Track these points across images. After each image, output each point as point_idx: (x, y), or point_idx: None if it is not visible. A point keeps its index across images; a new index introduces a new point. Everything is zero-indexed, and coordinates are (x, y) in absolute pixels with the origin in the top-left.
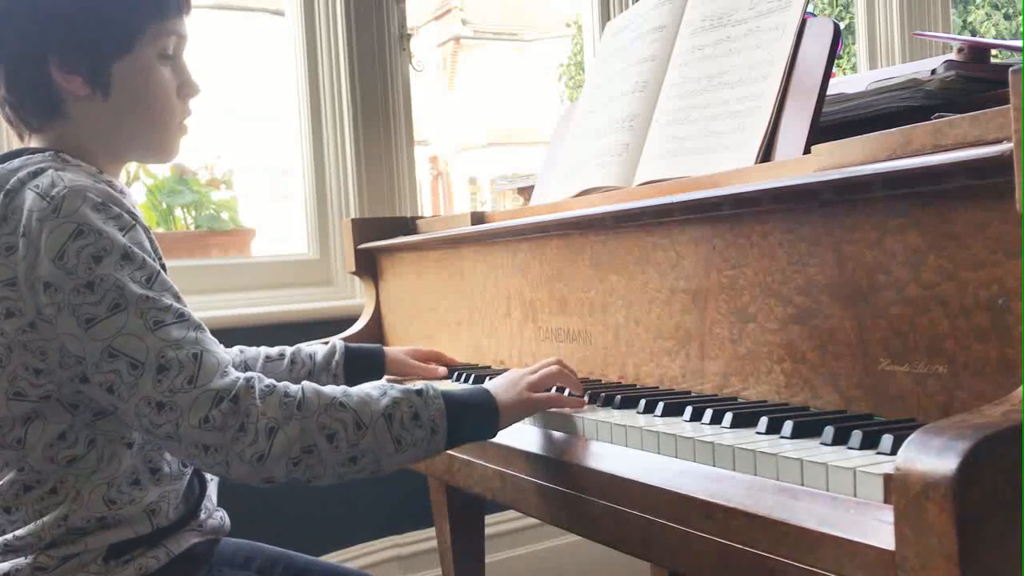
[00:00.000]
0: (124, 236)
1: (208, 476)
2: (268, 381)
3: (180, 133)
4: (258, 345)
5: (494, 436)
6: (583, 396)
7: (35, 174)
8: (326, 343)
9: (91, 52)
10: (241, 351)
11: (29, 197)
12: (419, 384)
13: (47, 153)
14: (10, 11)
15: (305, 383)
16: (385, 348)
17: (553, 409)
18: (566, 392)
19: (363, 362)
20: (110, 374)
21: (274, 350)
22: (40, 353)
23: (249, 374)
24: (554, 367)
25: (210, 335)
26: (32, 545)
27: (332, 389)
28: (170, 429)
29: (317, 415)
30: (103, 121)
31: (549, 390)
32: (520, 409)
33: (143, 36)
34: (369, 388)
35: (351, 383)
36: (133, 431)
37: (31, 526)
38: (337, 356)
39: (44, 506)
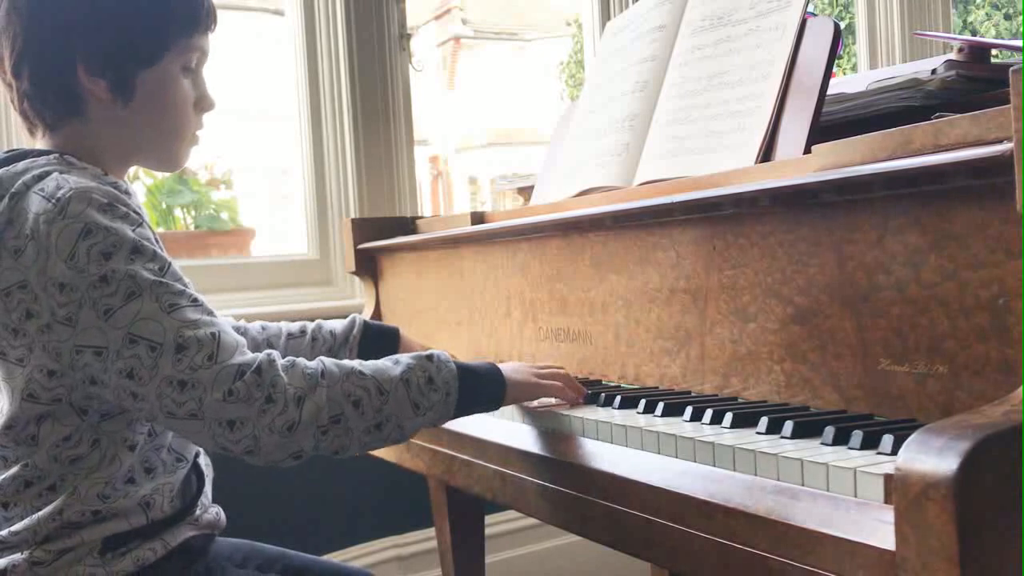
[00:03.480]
0: (132, 232)
1: (205, 472)
2: (288, 357)
3: (191, 144)
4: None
5: (499, 407)
6: (581, 399)
7: (39, 177)
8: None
9: (119, 60)
10: (263, 327)
11: (34, 200)
12: (430, 351)
13: (52, 156)
14: (45, 8)
15: (322, 358)
16: (402, 332)
17: (549, 406)
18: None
19: (379, 339)
20: (131, 359)
21: (295, 326)
22: (55, 354)
23: (268, 351)
24: (561, 370)
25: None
26: (28, 540)
27: (348, 361)
28: (193, 407)
29: (341, 383)
30: (120, 126)
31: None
32: (524, 388)
33: (170, 50)
34: (384, 359)
35: (364, 358)
36: (137, 434)
37: (26, 521)
38: (355, 331)
39: (42, 502)
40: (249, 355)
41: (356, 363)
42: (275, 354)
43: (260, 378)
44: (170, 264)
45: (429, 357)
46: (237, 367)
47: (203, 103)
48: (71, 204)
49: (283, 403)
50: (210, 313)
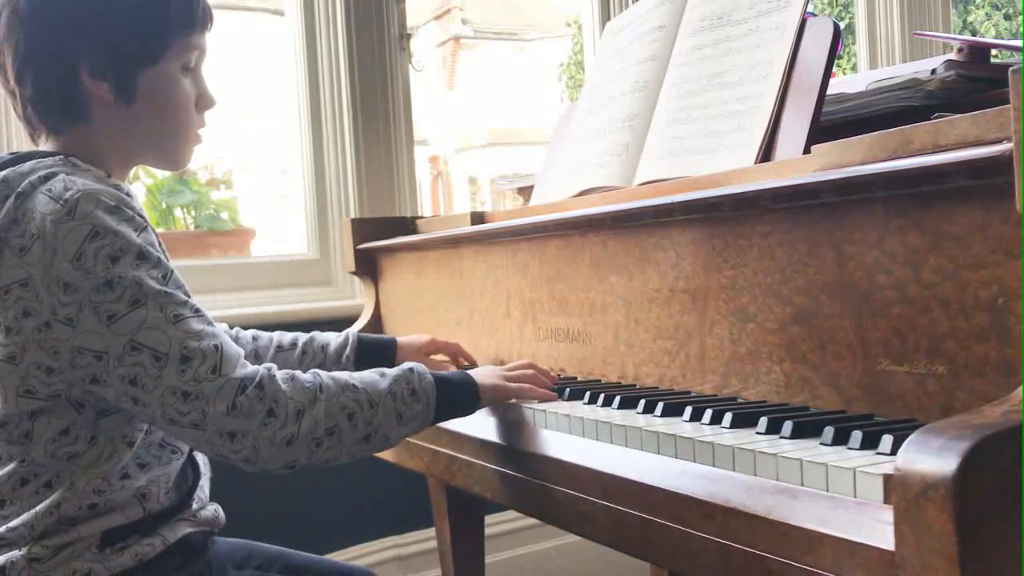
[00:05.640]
0: (138, 237)
1: (202, 468)
2: (286, 370)
3: (194, 143)
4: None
5: (474, 412)
6: (553, 392)
7: (46, 178)
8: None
9: (120, 61)
10: (254, 337)
11: (41, 201)
12: (408, 364)
13: (57, 157)
14: (45, 13)
15: (318, 371)
16: (399, 340)
17: (532, 405)
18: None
19: (374, 352)
20: (134, 367)
21: (287, 338)
22: (53, 352)
23: (268, 364)
24: (528, 369)
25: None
26: (25, 536)
27: (341, 374)
28: (196, 417)
29: (337, 396)
30: (123, 127)
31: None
32: (495, 392)
33: (169, 49)
34: (369, 372)
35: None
36: (136, 431)
37: (23, 516)
38: (348, 351)
39: (39, 499)
40: (251, 368)
41: (347, 376)
42: (274, 367)
43: (262, 392)
44: (172, 272)
45: (411, 369)
46: (240, 380)
47: (204, 101)
48: (80, 205)
49: (284, 417)
50: (211, 323)
